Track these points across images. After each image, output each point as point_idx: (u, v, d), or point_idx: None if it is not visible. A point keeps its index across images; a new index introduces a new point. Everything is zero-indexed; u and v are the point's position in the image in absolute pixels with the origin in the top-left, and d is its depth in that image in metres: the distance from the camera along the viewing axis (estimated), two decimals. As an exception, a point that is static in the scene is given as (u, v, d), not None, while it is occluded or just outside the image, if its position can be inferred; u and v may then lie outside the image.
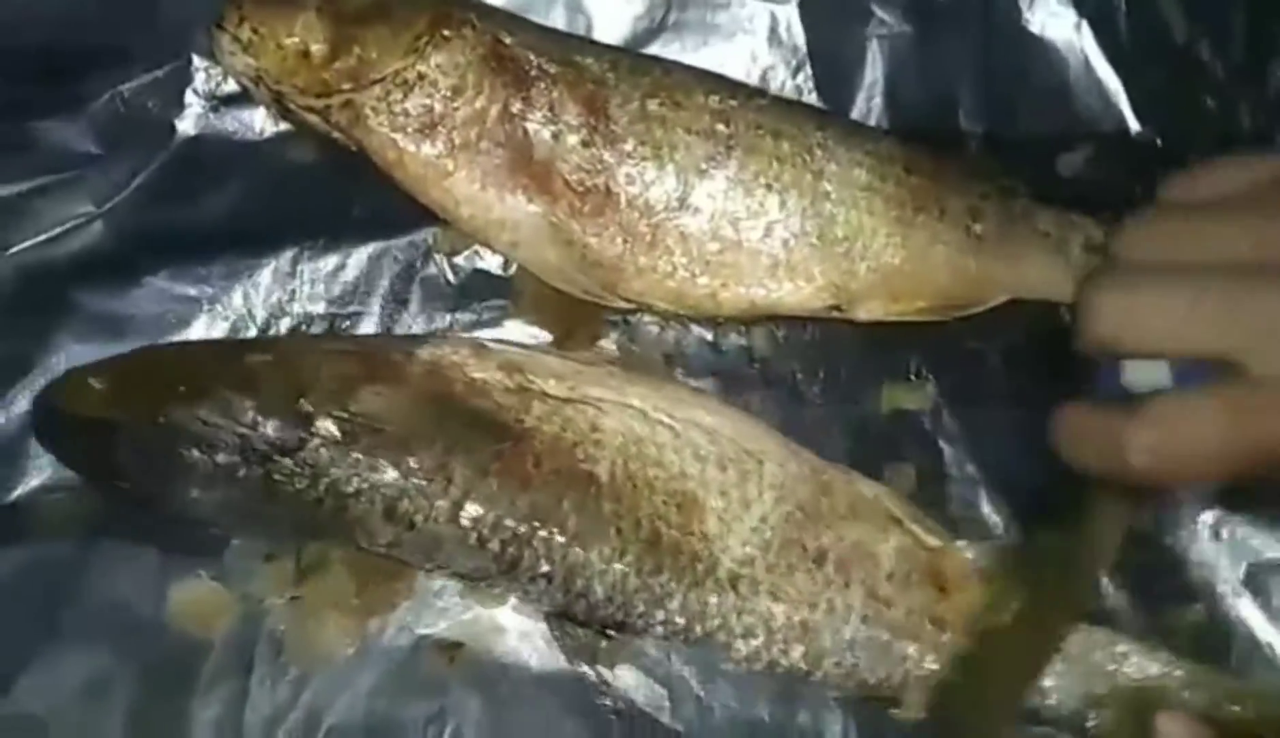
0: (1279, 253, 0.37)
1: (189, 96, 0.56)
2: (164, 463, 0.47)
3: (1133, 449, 0.37)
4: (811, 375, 0.54)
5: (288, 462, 0.46)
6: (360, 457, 0.46)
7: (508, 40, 0.53)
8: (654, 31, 0.58)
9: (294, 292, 0.54)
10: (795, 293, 0.54)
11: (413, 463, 0.46)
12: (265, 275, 0.54)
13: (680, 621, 0.47)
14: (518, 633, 0.49)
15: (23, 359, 0.52)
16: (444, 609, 0.49)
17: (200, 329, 0.53)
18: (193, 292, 0.53)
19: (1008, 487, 0.53)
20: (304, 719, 0.48)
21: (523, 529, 0.46)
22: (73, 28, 0.56)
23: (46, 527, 0.50)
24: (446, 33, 0.52)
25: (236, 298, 0.53)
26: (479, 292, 0.54)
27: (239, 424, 0.46)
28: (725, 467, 0.49)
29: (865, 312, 0.54)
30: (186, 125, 0.56)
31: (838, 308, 0.54)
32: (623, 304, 0.53)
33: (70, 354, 0.52)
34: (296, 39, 0.51)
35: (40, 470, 0.50)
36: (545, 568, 0.47)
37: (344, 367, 0.48)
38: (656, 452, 0.48)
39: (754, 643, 0.48)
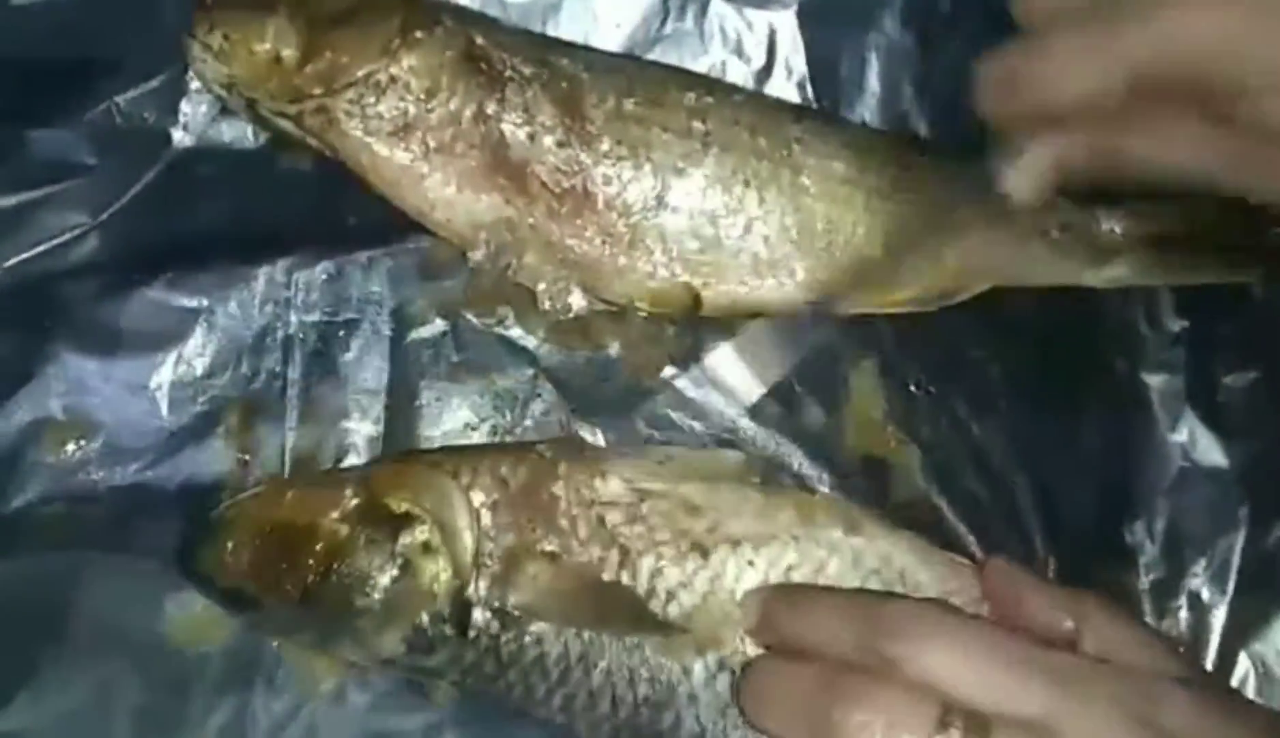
0: None
1: (184, 107, 0.47)
2: (313, 631, 0.39)
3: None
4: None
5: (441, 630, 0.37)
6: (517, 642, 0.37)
7: (481, 41, 0.43)
8: (651, 41, 0.48)
9: (289, 301, 0.45)
10: (777, 289, 0.44)
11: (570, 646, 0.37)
12: (260, 285, 0.45)
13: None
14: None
15: (19, 370, 0.43)
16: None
17: (198, 339, 0.44)
18: (189, 302, 0.44)
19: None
20: (304, 733, 0.40)
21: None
22: (68, 38, 0.46)
23: (44, 538, 0.42)
24: (419, 34, 0.42)
25: (232, 307, 0.44)
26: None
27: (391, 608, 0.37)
28: None
29: (848, 305, 0.44)
30: (182, 135, 0.47)
31: (820, 303, 0.45)
32: (603, 306, 0.44)
33: (66, 365, 0.43)
34: (268, 45, 0.42)
35: (38, 482, 0.42)
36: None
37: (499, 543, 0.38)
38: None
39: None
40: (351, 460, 0.43)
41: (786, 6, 0.48)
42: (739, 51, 0.48)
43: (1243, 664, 0.41)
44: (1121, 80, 0.30)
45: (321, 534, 0.38)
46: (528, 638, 0.37)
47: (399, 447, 0.43)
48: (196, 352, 0.44)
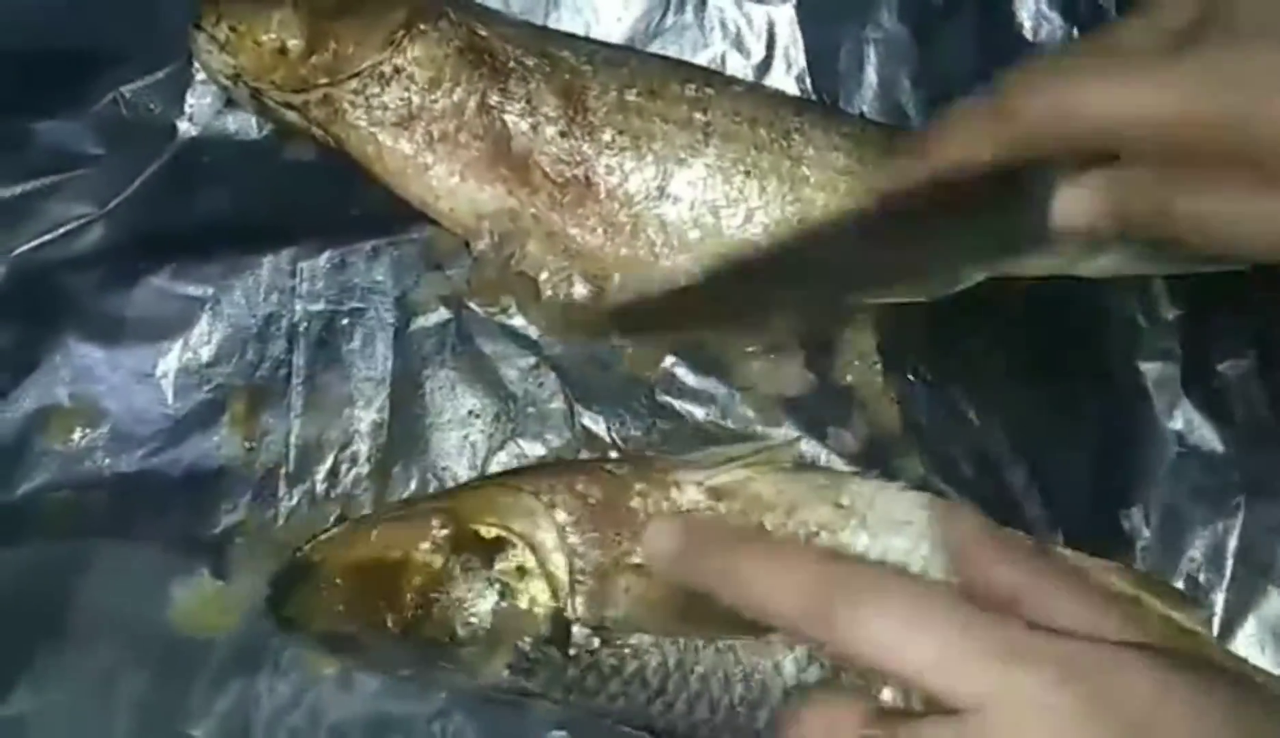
0: None
1: (189, 98, 0.47)
2: (416, 665, 0.39)
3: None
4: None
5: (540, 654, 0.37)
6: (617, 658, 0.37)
7: (484, 33, 0.43)
8: (651, 34, 0.48)
9: (294, 290, 0.45)
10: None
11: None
12: (265, 274, 0.45)
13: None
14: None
15: (25, 359, 0.43)
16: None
17: (203, 327, 0.44)
18: (194, 291, 0.45)
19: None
20: (308, 717, 0.40)
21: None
22: (73, 30, 0.47)
23: (50, 525, 0.42)
24: (423, 26, 0.43)
25: (237, 296, 0.45)
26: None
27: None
28: None
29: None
30: (187, 126, 0.47)
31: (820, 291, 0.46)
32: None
33: (72, 353, 0.43)
34: (273, 35, 0.42)
35: (44, 469, 0.42)
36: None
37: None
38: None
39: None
40: (356, 448, 0.43)
41: (785, 0, 0.49)
42: (738, 45, 0.49)
43: (1238, 648, 0.41)
44: (1172, 112, 0.29)
45: (416, 567, 0.38)
46: (626, 651, 0.37)
47: (403, 434, 0.43)
48: (202, 340, 0.44)
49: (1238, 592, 0.42)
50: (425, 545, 0.38)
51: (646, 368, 0.44)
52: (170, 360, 0.44)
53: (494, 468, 0.43)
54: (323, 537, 0.40)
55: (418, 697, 0.40)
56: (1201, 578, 0.42)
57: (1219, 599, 0.42)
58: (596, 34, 0.48)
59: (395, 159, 0.43)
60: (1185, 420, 0.44)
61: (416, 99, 0.43)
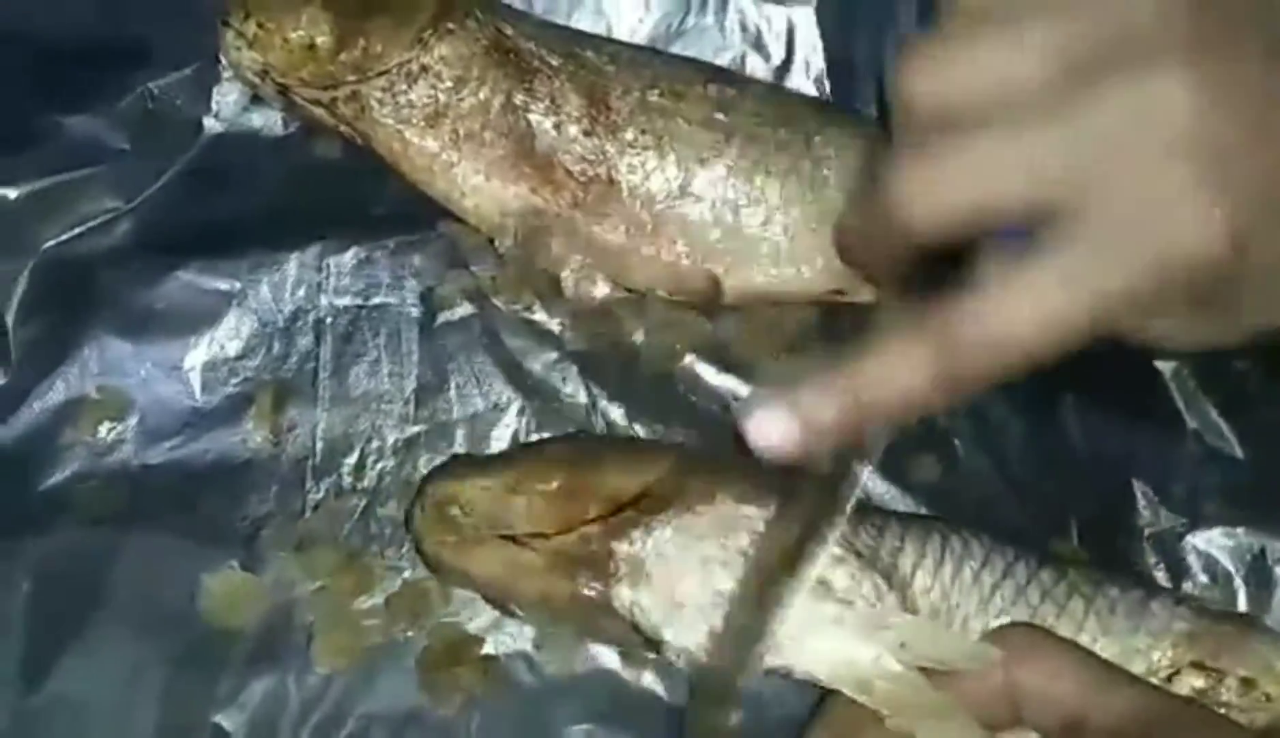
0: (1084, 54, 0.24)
1: (216, 94, 0.47)
2: None
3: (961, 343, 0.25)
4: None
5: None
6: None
7: (510, 33, 0.44)
8: (672, 36, 0.48)
9: (320, 285, 0.45)
10: (797, 278, 0.44)
11: None
12: (291, 269, 0.45)
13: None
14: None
15: (54, 351, 0.43)
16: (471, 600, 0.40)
17: (230, 322, 0.44)
18: (221, 285, 0.45)
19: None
20: (334, 709, 0.40)
21: None
22: (101, 26, 0.47)
23: (80, 515, 0.42)
24: (450, 25, 0.43)
25: (264, 291, 0.45)
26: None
27: None
28: None
29: (866, 294, 0.44)
30: (213, 122, 0.47)
31: (839, 292, 0.44)
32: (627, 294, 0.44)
33: (100, 346, 0.43)
34: (302, 32, 0.42)
35: (73, 460, 0.42)
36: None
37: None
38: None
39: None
40: (382, 442, 0.43)
41: (806, 3, 0.49)
42: (758, 46, 0.49)
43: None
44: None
45: None
46: None
47: (429, 428, 0.43)
48: (229, 334, 0.44)
49: (1258, 592, 0.41)
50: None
51: (668, 364, 0.45)
52: (198, 354, 0.44)
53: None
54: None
55: (444, 692, 0.40)
56: (1221, 578, 0.42)
57: (1240, 600, 0.41)
58: (618, 35, 0.49)
59: (421, 156, 0.43)
60: (1203, 420, 0.44)
61: (443, 97, 0.43)
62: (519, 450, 0.42)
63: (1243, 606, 0.41)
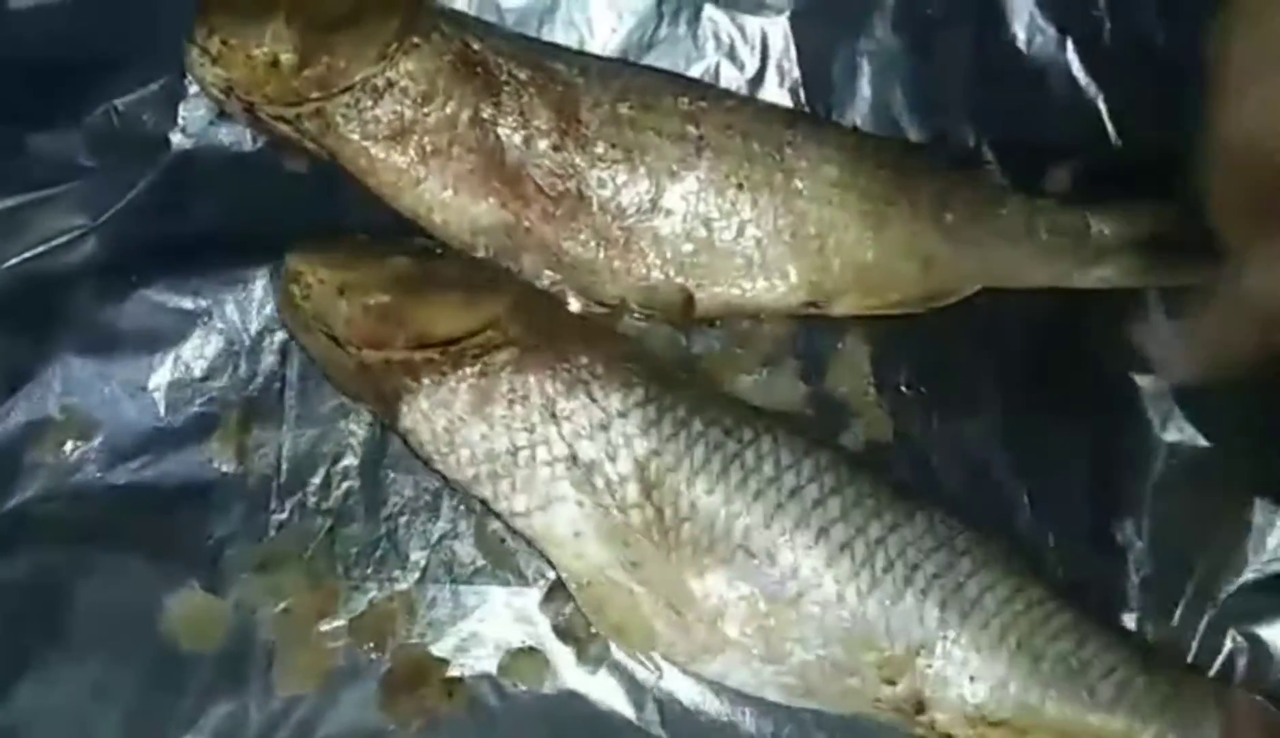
0: None
1: (182, 110, 0.46)
2: None
3: None
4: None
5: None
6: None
7: (477, 46, 0.43)
8: (645, 46, 0.48)
9: (286, 301, 0.46)
10: (770, 291, 0.44)
11: None
12: (258, 287, 0.44)
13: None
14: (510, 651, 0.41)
15: (17, 371, 0.43)
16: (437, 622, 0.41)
17: (196, 341, 0.43)
18: (187, 303, 0.44)
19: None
20: (296, 730, 0.40)
21: None
22: (67, 42, 0.46)
23: (43, 537, 0.41)
24: (416, 39, 0.42)
25: (230, 309, 0.44)
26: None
27: None
28: None
29: (841, 307, 0.44)
30: (180, 138, 0.46)
31: (814, 304, 0.44)
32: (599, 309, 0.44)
33: (65, 366, 0.43)
34: (266, 49, 0.41)
35: (36, 481, 0.42)
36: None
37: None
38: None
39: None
40: (348, 462, 0.43)
41: (779, 12, 0.48)
42: (732, 57, 0.48)
43: (1231, 656, 0.41)
44: None
45: None
46: None
47: (394, 447, 0.43)
48: (195, 353, 0.44)
49: (1231, 601, 0.41)
50: None
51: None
52: (163, 374, 0.43)
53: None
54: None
55: (407, 714, 0.40)
56: (1195, 589, 0.41)
57: (1212, 609, 0.41)
58: (591, 46, 0.48)
59: (388, 173, 0.42)
60: (1178, 432, 0.43)
61: (409, 113, 0.42)
62: (373, 249, 0.42)
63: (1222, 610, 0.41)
